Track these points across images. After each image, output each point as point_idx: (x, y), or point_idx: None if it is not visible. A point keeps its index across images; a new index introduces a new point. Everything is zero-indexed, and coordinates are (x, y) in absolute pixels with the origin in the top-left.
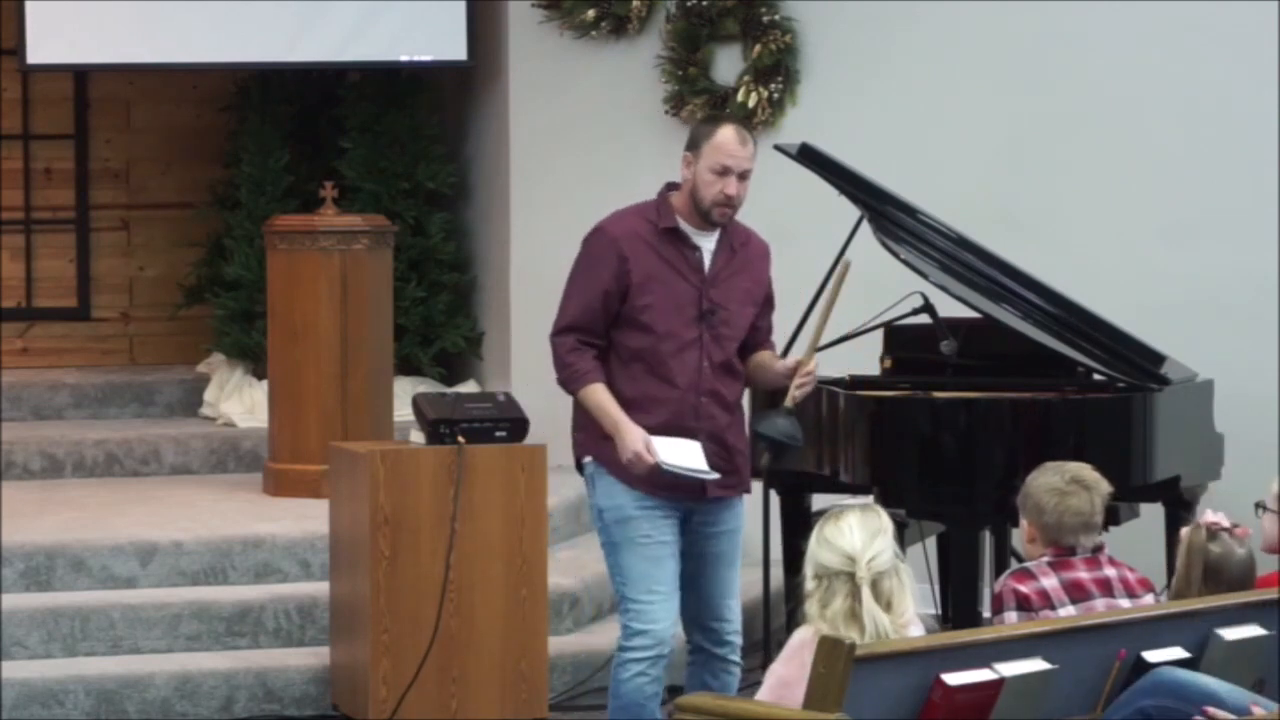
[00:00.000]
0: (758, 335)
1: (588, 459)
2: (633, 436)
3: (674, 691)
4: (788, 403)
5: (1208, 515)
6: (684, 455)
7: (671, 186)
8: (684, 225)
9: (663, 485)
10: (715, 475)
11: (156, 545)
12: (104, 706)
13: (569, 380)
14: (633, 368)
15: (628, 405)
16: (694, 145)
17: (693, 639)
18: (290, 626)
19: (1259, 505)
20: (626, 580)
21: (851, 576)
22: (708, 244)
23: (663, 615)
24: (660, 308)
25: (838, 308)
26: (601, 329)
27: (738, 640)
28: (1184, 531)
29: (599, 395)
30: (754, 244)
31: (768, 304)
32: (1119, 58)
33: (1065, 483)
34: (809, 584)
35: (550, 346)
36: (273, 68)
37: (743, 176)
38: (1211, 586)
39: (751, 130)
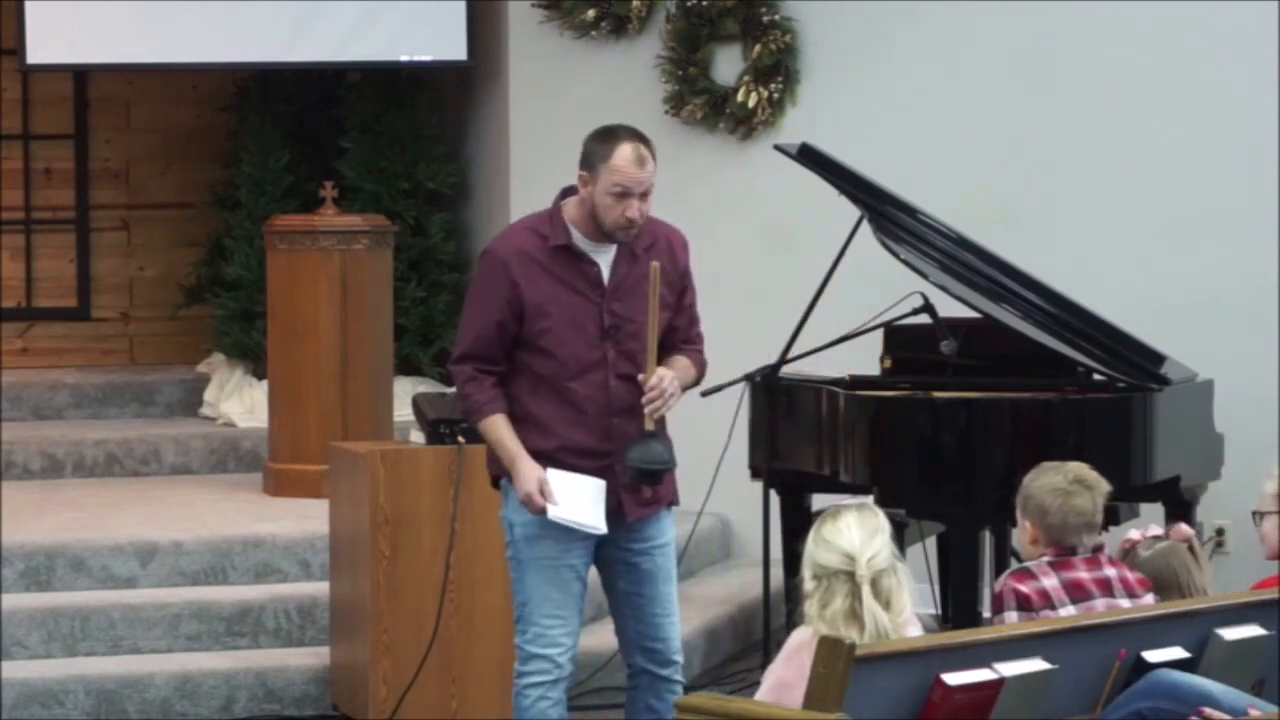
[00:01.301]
0: (675, 336)
1: (504, 479)
2: (528, 476)
3: None
4: (647, 425)
5: (1133, 532)
6: (580, 501)
7: (569, 191)
8: (579, 241)
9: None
10: (603, 530)
11: (156, 545)
12: (104, 706)
13: (469, 412)
14: (540, 389)
15: (538, 426)
16: (589, 165)
17: (634, 662)
18: (290, 626)
19: (1256, 514)
20: (528, 600)
21: (851, 575)
22: (606, 256)
23: (563, 640)
24: (558, 331)
25: (836, 305)
26: (499, 355)
27: (681, 659)
28: None
29: (498, 428)
30: (662, 241)
31: (682, 300)
32: (1119, 58)
33: (1068, 483)
34: (808, 584)
35: (450, 375)
36: (272, 68)
37: (644, 195)
38: None
39: (750, 131)
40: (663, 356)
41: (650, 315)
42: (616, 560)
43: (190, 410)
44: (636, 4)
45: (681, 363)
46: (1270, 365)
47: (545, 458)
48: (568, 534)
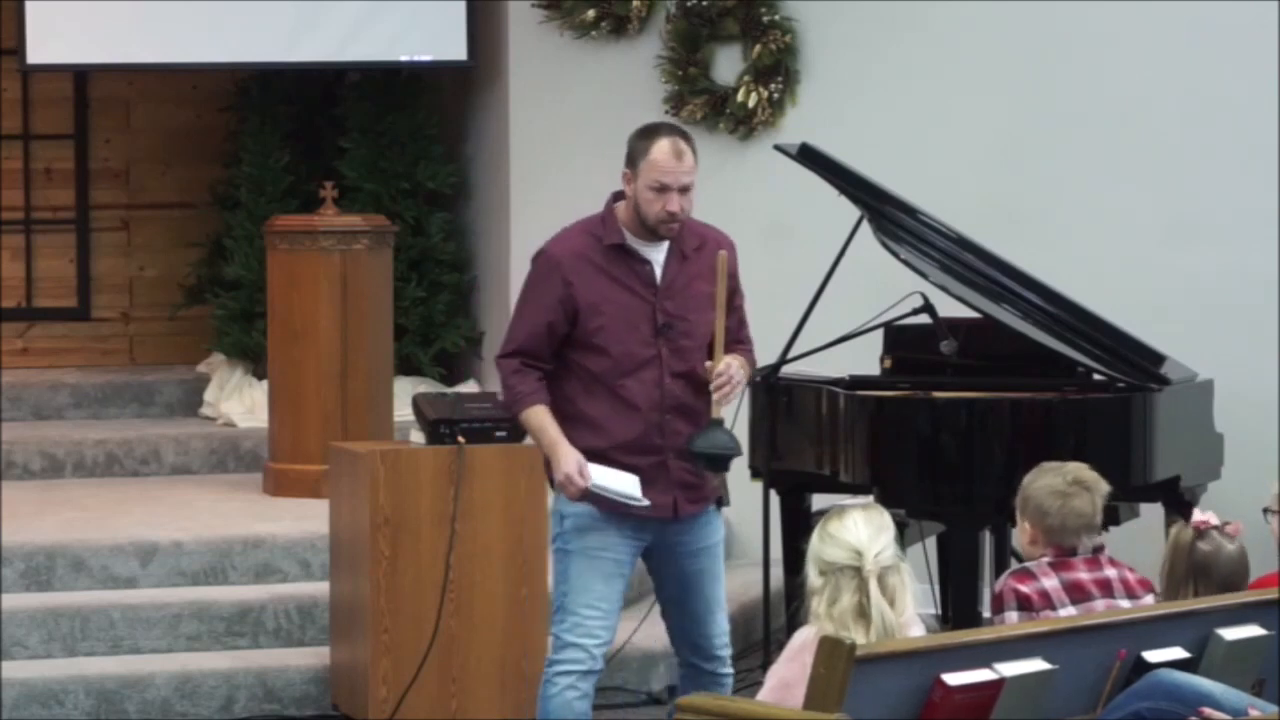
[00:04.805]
0: (727, 335)
1: None
2: (567, 459)
3: (675, 691)
4: (713, 414)
5: (1195, 514)
6: (618, 482)
7: (619, 195)
8: (631, 240)
9: (626, 506)
10: (646, 503)
11: (156, 545)
12: (104, 706)
13: (511, 402)
14: (594, 389)
15: (592, 426)
16: (631, 161)
17: (681, 654)
18: (290, 626)
19: (1267, 510)
20: (570, 590)
21: (858, 571)
22: (657, 255)
23: (599, 632)
24: (612, 329)
25: (836, 306)
26: (547, 354)
27: (727, 652)
28: (1171, 531)
29: (539, 417)
30: (711, 244)
31: (732, 302)
32: (1119, 58)
33: (1067, 484)
34: (815, 581)
35: (497, 368)
36: (272, 68)
37: (684, 190)
38: (1204, 585)
39: (750, 131)
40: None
41: (718, 303)
42: (665, 561)
43: (190, 410)
44: (636, 4)
45: (737, 360)
46: (1270, 365)
47: (599, 456)
48: (615, 527)
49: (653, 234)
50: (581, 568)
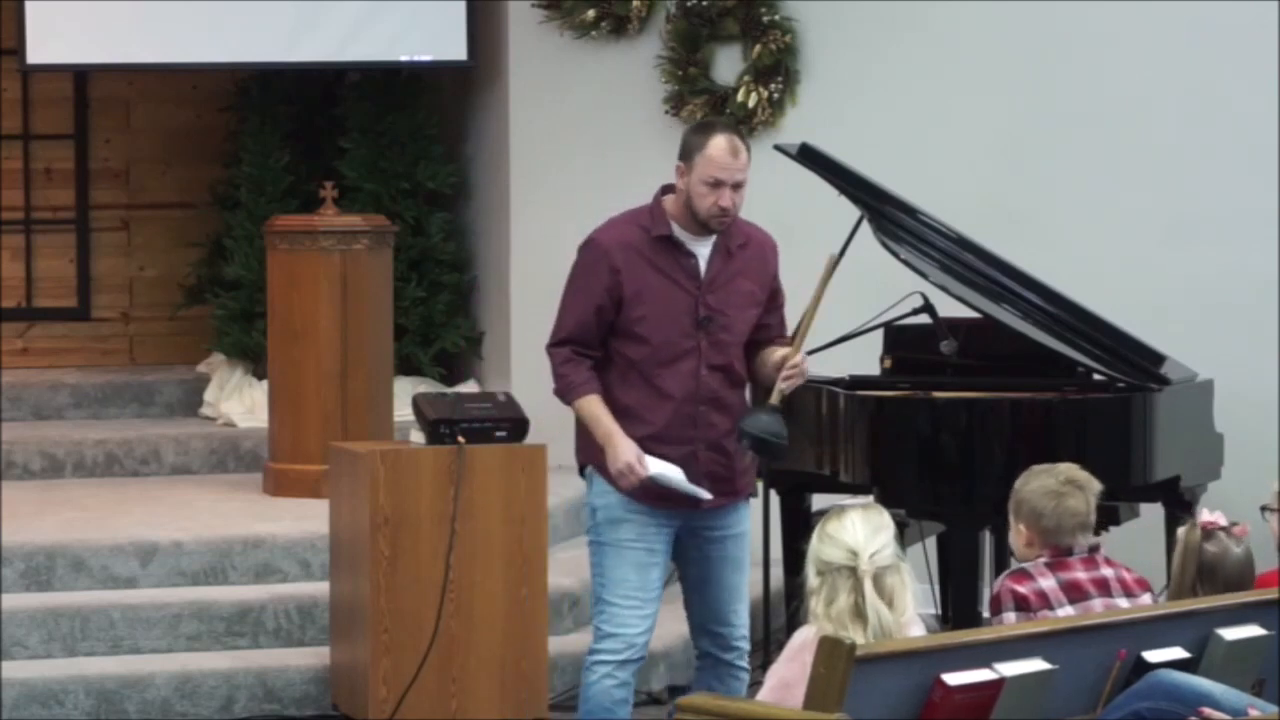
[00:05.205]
0: (767, 333)
1: (590, 466)
2: (625, 448)
3: (675, 691)
4: (774, 399)
5: (1204, 515)
6: (673, 473)
7: (667, 189)
8: (679, 232)
9: (658, 495)
10: (707, 495)
11: (156, 545)
12: (104, 706)
13: (564, 391)
14: (629, 377)
15: (625, 414)
16: (686, 155)
17: (699, 644)
18: (290, 626)
19: (1264, 509)
20: (605, 582)
21: (854, 571)
22: (703, 249)
23: (635, 621)
24: (654, 319)
25: (836, 305)
26: (596, 341)
27: (745, 645)
28: (1180, 531)
29: (593, 406)
30: (755, 244)
31: (774, 301)
32: (1119, 58)
33: (1060, 484)
34: (812, 581)
35: (548, 357)
36: (272, 68)
37: (737, 187)
38: (1208, 586)
39: (750, 131)
40: (753, 351)
41: (813, 299)
42: (689, 545)
43: (190, 410)
44: (636, 4)
45: (770, 350)
46: (1270, 365)
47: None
48: (647, 519)
49: (703, 228)
50: (615, 559)
